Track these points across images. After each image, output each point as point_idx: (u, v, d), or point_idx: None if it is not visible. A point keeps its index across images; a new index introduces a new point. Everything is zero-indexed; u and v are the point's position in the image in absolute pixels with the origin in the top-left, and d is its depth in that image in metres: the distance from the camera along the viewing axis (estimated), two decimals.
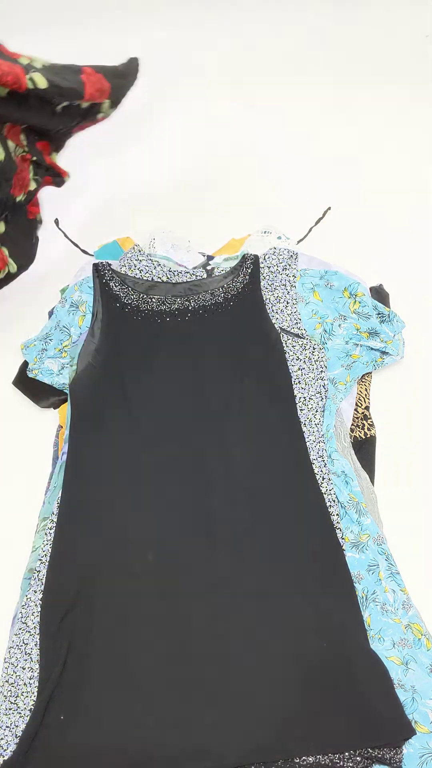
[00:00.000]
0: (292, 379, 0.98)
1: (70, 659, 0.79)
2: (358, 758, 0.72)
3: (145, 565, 0.84)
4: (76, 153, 1.39)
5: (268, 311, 1.04)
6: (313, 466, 0.91)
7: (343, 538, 0.86)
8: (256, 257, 1.08)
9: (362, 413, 1.02)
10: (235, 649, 0.78)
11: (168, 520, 0.87)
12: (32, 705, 0.77)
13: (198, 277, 1.08)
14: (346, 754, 0.72)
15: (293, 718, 0.74)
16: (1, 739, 0.75)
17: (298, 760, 0.72)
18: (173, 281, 1.08)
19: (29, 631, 0.81)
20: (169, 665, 0.78)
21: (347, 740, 0.73)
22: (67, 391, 1.01)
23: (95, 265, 1.08)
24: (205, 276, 1.09)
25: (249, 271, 1.07)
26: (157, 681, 0.77)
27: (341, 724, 0.73)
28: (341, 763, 0.72)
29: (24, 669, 0.79)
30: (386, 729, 0.73)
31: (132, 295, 1.06)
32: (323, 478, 0.90)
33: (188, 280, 1.08)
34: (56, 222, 1.29)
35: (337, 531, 0.86)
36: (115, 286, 1.06)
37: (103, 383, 0.99)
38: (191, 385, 0.98)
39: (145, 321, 1.04)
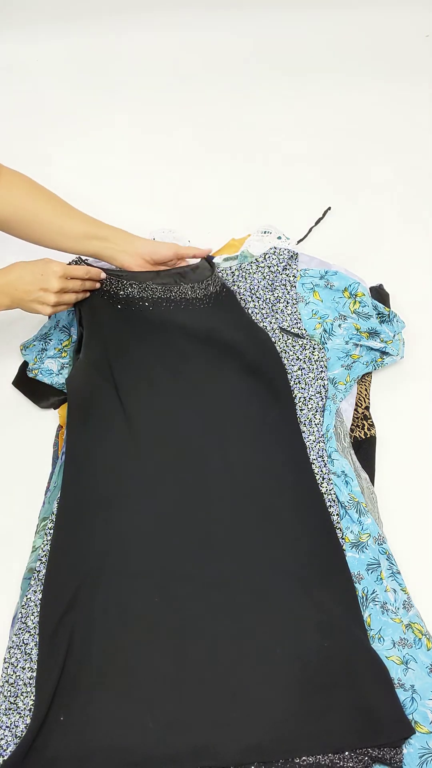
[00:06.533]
0: (292, 379, 0.98)
1: (69, 659, 0.78)
2: (358, 758, 0.72)
3: (144, 565, 0.84)
4: (77, 153, 1.40)
5: (268, 311, 1.03)
6: (313, 466, 0.91)
7: (343, 538, 0.86)
8: (227, 288, 1.05)
9: (362, 413, 1.02)
10: (236, 648, 0.78)
11: (167, 520, 0.87)
12: (32, 705, 0.77)
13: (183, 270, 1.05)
14: (346, 754, 0.72)
15: (293, 717, 0.74)
16: (1, 739, 0.75)
17: (298, 760, 0.72)
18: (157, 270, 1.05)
19: (29, 631, 0.81)
20: (168, 665, 0.78)
21: (347, 740, 0.73)
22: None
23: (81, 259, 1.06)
24: (190, 271, 1.06)
25: (219, 288, 1.04)
26: (157, 681, 0.77)
27: (341, 723, 0.73)
28: (341, 763, 0.72)
29: (24, 669, 0.79)
30: (386, 729, 0.73)
31: (112, 281, 1.02)
32: (323, 478, 0.90)
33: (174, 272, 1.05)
34: None
35: (337, 531, 0.86)
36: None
37: (93, 377, 0.97)
38: (189, 384, 0.97)
39: (125, 309, 1.01)
